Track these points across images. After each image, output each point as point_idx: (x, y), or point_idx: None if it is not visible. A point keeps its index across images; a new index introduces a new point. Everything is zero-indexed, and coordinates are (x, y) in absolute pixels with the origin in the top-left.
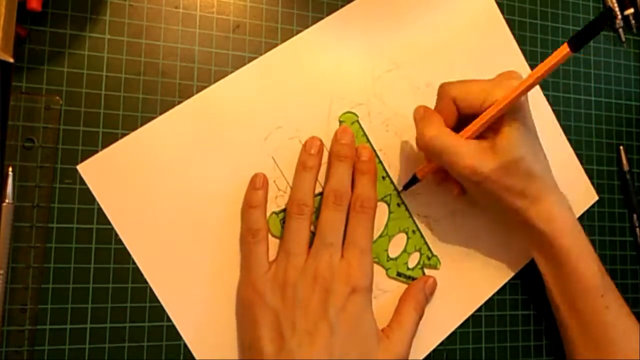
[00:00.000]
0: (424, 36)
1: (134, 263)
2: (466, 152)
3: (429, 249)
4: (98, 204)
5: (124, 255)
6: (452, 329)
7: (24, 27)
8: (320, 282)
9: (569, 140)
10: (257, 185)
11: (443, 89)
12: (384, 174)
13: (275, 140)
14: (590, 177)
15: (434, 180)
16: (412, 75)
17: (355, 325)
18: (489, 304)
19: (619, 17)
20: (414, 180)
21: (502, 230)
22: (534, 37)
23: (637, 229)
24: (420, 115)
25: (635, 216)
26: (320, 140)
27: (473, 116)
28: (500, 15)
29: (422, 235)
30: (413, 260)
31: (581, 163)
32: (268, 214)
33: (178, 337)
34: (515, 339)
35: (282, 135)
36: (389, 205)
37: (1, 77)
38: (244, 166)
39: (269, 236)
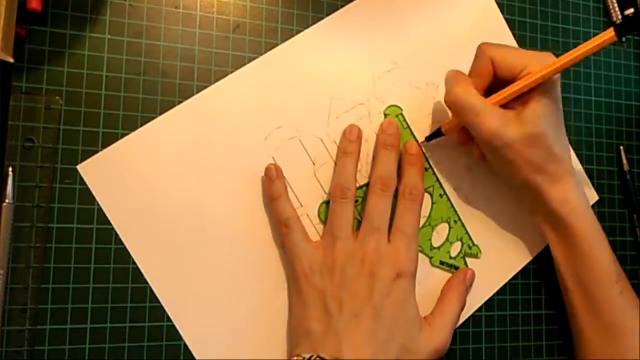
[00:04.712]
0: (424, 36)
1: (134, 263)
2: (490, 115)
3: (470, 238)
4: (98, 204)
5: (124, 255)
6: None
7: (24, 27)
8: (368, 266)
9: (569, 140)
10: (273, 176)
11: (482, 48)
12: (427, 166)
13: (275, 140)
14: (590, 177)
15: (457, 138)
16: (412, 75)
17: (399, 310)
18: (489, 304)
19: (619, 17)
20: (437, 134)
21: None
22: (533, 37)
23: (637, 229)
24: (452, 75)
25: (635, 216)
26: (359, 128)
27: (503, 84)
28: (500, 15)
29: (463, 225)
30: (455, 249)
31: (581, 163)
32: (318, 204)
33: (178, 337)
34: (516, 339)
35: (282, 135)
36: (432, 195)
37: (1, 77)
38: (244, 166)
39: (320, 223)
